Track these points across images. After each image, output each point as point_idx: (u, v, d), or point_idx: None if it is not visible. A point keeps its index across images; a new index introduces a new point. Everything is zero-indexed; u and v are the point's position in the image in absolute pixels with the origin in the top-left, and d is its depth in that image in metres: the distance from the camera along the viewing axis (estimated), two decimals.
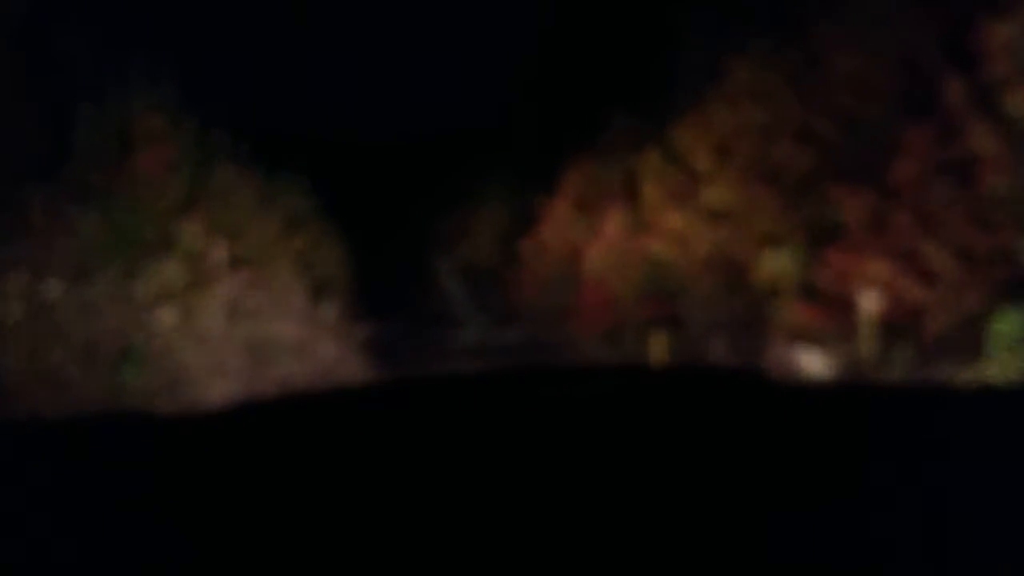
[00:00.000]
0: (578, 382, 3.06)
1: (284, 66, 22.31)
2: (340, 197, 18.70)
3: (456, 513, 1.49)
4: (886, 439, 1.77)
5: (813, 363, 9.60)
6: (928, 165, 10.26)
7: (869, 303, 9.60)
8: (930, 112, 10.44)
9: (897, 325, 9.73)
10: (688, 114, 14.07)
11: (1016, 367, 8.06)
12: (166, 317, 9.18)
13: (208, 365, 9.52)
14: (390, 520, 1.46)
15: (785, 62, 12.40)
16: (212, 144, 12.92)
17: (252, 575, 1.29)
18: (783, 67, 12.43)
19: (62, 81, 9.86)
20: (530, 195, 20.90)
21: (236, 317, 10.53)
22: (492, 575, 1.34)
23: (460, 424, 2.20)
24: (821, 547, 1.41)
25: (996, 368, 8.14)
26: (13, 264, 8.79)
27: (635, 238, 15.74)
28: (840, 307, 10.02)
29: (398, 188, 24.99)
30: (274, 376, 9.94)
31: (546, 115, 22.55)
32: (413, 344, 20.28)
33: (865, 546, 1.42)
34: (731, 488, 1.57)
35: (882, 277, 9.71)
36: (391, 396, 3.08)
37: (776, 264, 11.27)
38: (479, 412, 2.33)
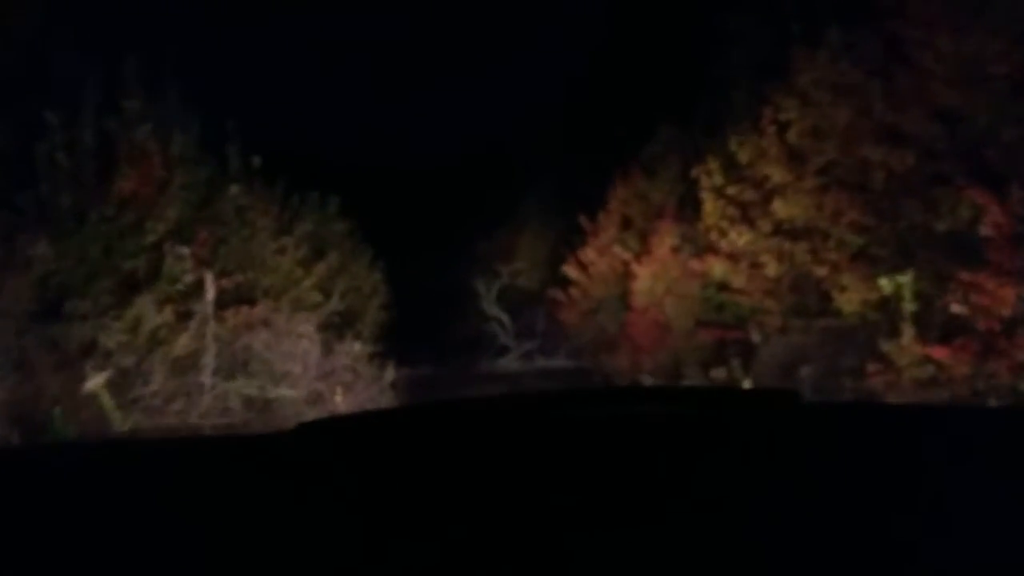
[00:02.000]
0: (607, 403, 2.41)
1: (311, 81, 20.81)
2: (374, 221, 17.43)
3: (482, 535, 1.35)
4: (915, 459, 1.68)
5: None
6: None
7: None
8: None
9: None
10: (751, 119, 12.11)
11: None
12: (97, 378, 7.36)
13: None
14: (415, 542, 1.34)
15: (867, 51, 10.42)
16: (224, 163, 11.25)
17: None
18: (865, 57, 10.45)
19: (28, 87, 8.18)
20: (574, 214, 19.04)
21: (235, 366, 8.75)
22: None
23: (489, 444, 1.78)
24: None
25: None
26: None
27: (692, 258, 13.80)
28: (984, 343, 7.98)
29: (435, 211, 23.53)
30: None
31: (588, 128, 21.00)
32: (451, 373, 18.59)
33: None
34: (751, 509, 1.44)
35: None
36: (418, 419, 2.24)
37: (881, 288, 9.24)
38: (509, 432, 1.86)
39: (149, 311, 8.05)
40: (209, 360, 8.39)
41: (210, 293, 8.72)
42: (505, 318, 22.19)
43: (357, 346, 10.13)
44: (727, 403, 2.31)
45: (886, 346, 8.89)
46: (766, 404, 2.23)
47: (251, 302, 9.54)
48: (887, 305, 9.53)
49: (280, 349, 9.12)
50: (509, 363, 21.29)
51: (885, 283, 9.16)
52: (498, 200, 23.07)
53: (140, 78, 9.41)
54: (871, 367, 9.02)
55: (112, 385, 7.56)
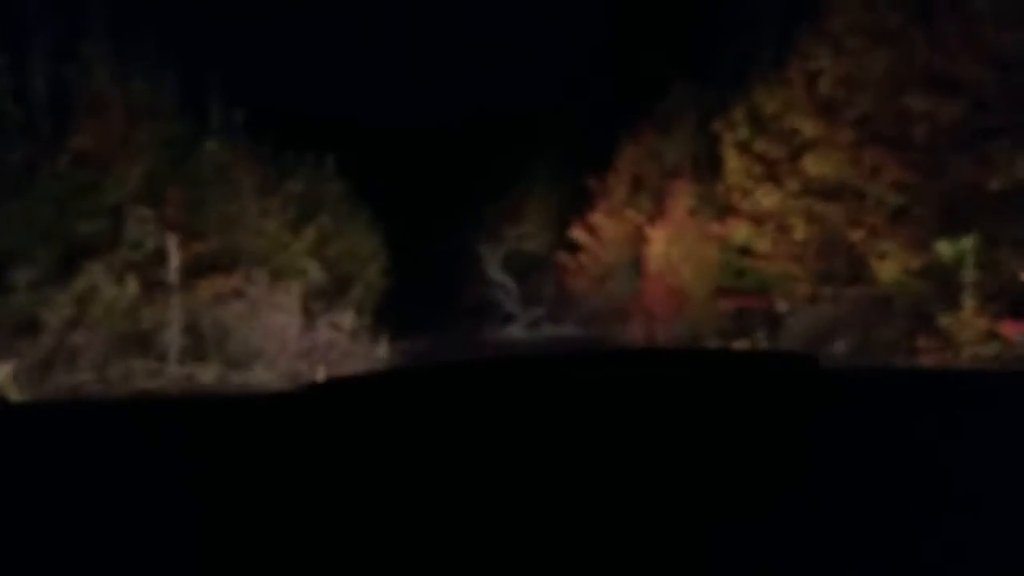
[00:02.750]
0: (619, 364, 2.18)
1: (310, 34, 19.76)
2: (374, 183, 16.51)
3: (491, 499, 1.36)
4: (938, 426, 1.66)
5: None
6: None
7: None
8: None
9: None
10: (778, 68, 10.98)
11: None
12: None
13: None
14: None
15: None
16: (205, 119, 10.19)
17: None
18: None
19: None
20: (581, 175, 17.94)
21: (203, 344, 7.67)
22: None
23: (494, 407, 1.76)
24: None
25: None
26: None
27: (711, 221, 12.74)
28: None
29: (439, 172, 22.58)
30: None
31: (597, 86, 19.89)
32: (452, 343, 17.61)
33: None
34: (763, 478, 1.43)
35: None
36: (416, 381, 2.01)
37: (943, 253, 8.13)
38: (515, 393, 1.83)
39: (103, 281, 7.01)
40: (172, 337, 7.35)
41: (174, 260, 7.68)
42: (511, 284, 21.12)
43: (348, 318, 9.05)
44: (746, 366, 2.18)
45: (944, 319, 7.81)
46: (786, 368, 2.11)
47: (228, 270, 8.51)
48: (935, 273, 8.48)
49: (256, 323, 8.08)
50: (515, 331, 20.25)
51: (944, 247, 8.06)
52: (503, 161, 22.07)
53: (107, 23, 8.30)
54: (923, 342, 7.99)
55: (40, 369, 6.51)
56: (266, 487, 1.41)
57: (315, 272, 10.12)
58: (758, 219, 11.22)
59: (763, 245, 11.30)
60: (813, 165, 9.95)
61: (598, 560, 1.21)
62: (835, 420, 1.68)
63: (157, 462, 1.53)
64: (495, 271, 21.31)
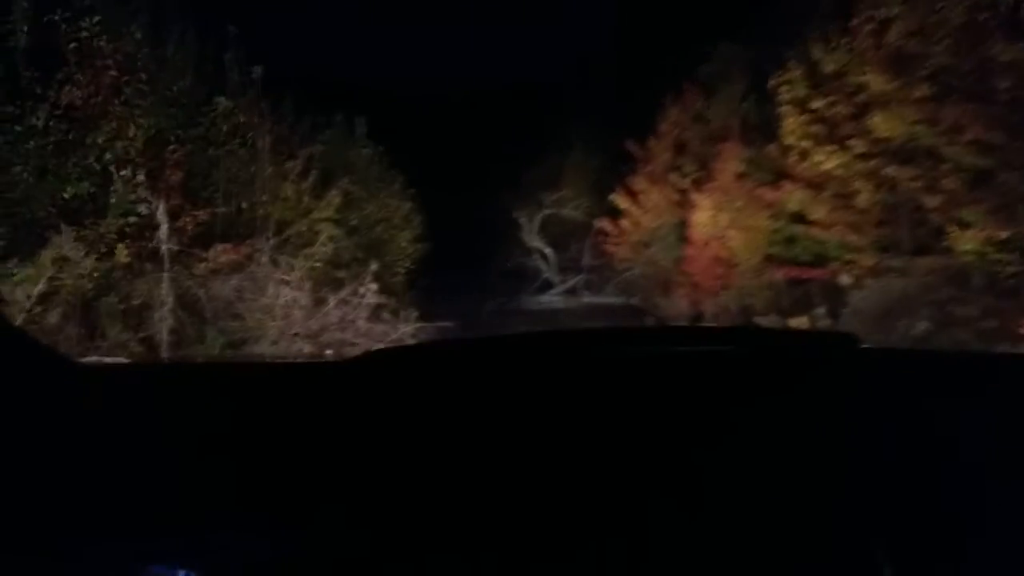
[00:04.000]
0: (653, 342, 1.97)
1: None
2: (410, 148, 15.73)
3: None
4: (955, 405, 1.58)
5: None
6: None
7: None
8: None
9: None
10: (840, 20, 9.79)
11: None
12: None
13: None
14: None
15: None
16: (223, 75, 9.28)
17: None
18: None
19: None
20: (622, 139, 16.81)
21: (196, 323, 6.71)
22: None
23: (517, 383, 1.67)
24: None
25: None
26: None
27: (761, 186, 11.63)
28: None
29: (476, 137, 21.60)
30: None
31: (638, 47, 18.72)
32: (491, 310, 16.71)
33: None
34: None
35: None
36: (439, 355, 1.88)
37: None
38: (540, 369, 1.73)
39: (73, 251, 6.08)
40: (162, 315, 6.42)
41: (163, 228, 6.75)
42: (549, 251, 20.11)
43: (370, 292, 8.10)
44: (780, 345, 1.99)
45: None
46: (822, 348, 1.95)
47: (240, 238, 7.60)
48: (1021, 244, 7.36)
49: (259, 299, 7.15)
50: (553, 299, 19.28)
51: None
52: (542, 126, 21.05)
53: None
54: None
55: None
56: (321, 451, 1.39)
57: (340, 240, 9.17)
58: (815, 184, 10.09)
59: (819, 212, 10.19)
60: (882, 124, 8.79)
61: (623, 540, 1.23)
62: (874, 402, 1.59)
63: (213, 426, 1.49)
64: (533, 238, 20.30)
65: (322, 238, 8.46)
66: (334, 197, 9.83)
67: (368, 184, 13.03)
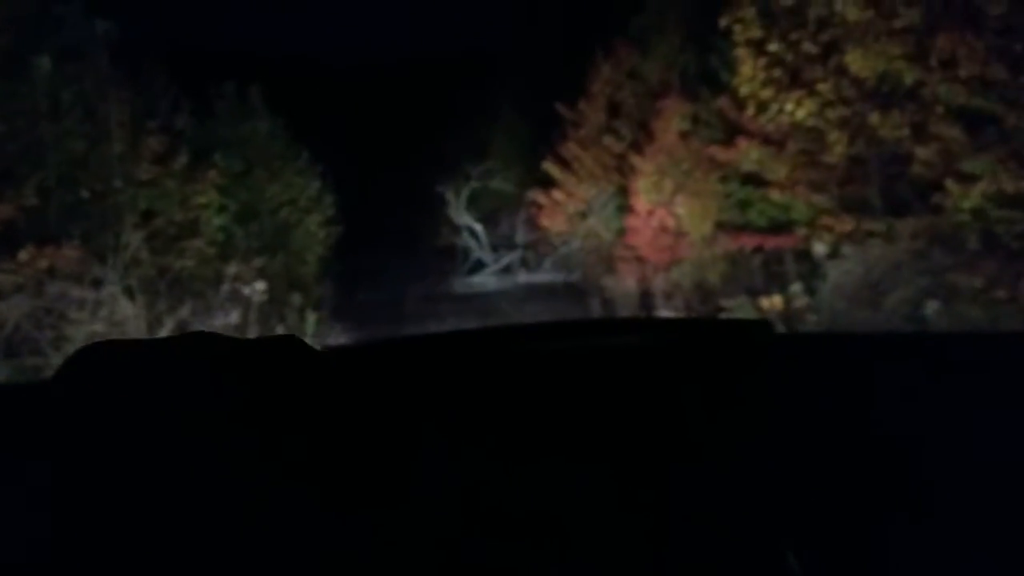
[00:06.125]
0: (576, 335, 1.95)
1: None
2: (320, 122, 14.38)
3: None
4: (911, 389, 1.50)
5: None
6: None
7: None
8: None
9: None
10: None
11: None
12: None
13: None
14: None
15: None
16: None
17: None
18: None
19: None
20: (550, 103, 15.21)
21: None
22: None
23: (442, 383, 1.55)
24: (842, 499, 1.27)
25: None
26: None
27: (710, 144, 10.12)
28: None
29: (392, 107, 20.00)
30: None
31: (565, 1, 17.14)
32: (415, 296, 15.05)
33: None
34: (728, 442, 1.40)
35: None
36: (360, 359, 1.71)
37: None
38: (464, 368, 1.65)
39: None
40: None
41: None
42: (479, 228, 18.41)
43: (259, 288, 6.38)
44: (693, 335, 1.92)
45: None
46: (736, 336, 1.89)
47: (57, 240, 5.75)
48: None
49: (78, 326, 5.32)
50: (485, 280, 17.62)
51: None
52: (466, 91, 19.36)
53: None
54: None
55: None
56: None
57: (231, 229, 7.41)
58: (774, 139, 8.60)
59: (778, 171, 8.72)
60: (858, 61, 7.28)
61: (553, 535, 1.20)
62: (787, 391, 1.51)
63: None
64: (460, 214, 18.57)
65: (209, 224, 6.66)
66: (213, 178, 8.03)
67: (268, 163, 11.23)
